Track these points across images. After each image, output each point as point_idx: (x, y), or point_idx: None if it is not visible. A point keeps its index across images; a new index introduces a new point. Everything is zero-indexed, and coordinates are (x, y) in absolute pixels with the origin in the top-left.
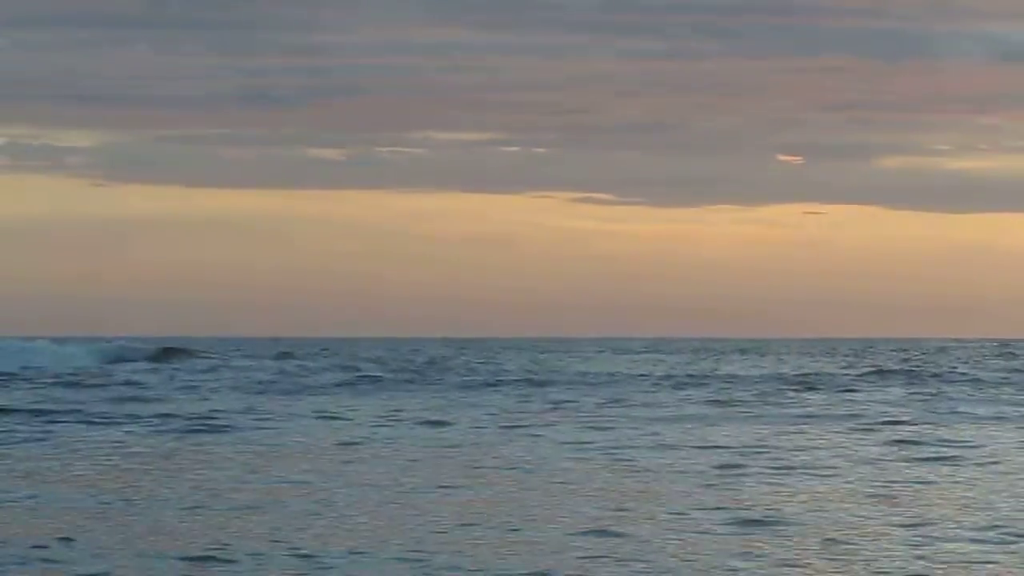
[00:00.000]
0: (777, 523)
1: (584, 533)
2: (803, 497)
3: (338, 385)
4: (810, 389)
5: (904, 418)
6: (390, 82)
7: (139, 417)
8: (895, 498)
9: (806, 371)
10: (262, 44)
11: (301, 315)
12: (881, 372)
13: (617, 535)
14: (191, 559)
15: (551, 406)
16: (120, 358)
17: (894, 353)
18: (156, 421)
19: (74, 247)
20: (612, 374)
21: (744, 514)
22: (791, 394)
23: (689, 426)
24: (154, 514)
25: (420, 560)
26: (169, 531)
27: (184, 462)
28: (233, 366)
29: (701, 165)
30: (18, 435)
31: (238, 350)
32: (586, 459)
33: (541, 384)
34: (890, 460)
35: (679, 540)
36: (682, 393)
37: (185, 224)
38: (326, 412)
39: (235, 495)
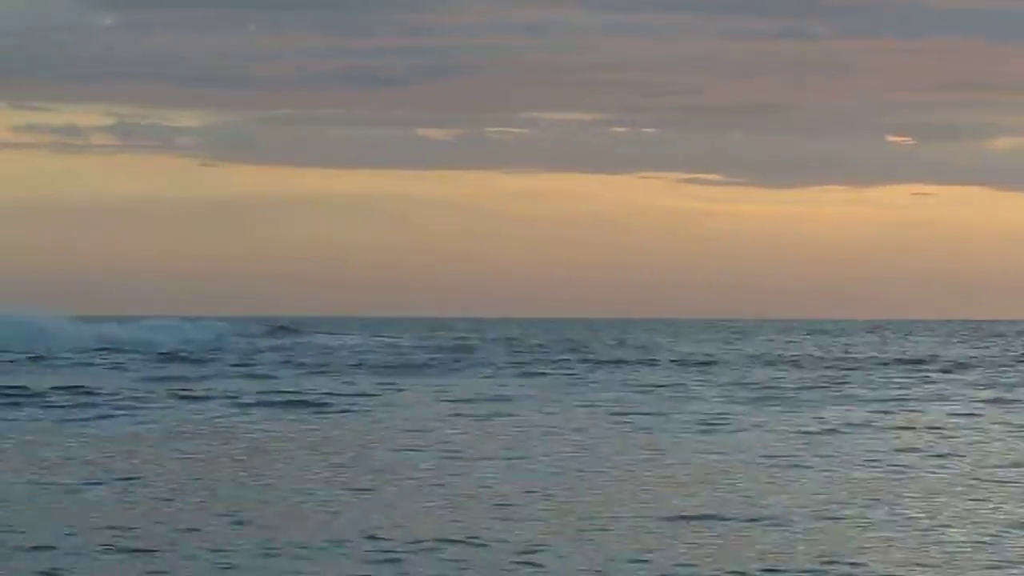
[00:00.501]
0: None
1: None
2: None
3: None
4: None
5: None
6: (499, 62)
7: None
8: None
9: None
10: (371, 24)
11: (408, 295)
12: None
13: None
14: None
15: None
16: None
17: None
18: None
19: (183, 227)
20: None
21: None
22: None
23: None
24: None
25: None
26: None
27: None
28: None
29: (810, 146)
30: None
31: (342, 330)
32: None
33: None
34: None
35: None
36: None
37: (293, 204)
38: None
39: None
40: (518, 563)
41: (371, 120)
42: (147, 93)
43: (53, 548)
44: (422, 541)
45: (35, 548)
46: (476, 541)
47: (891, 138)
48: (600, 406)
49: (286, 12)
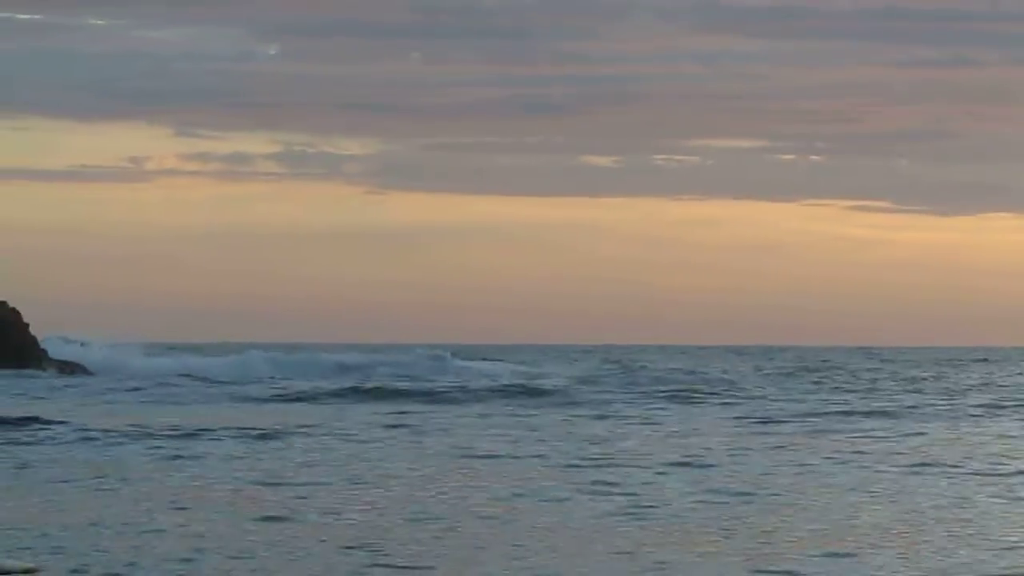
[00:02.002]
0: None
1: None
2: None
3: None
4: None
5: None
6: (666, 90)
7: None
8: None
9: None
10: (534, 52)
11: (574, 322)
12: None
13: None
14: None
15: None
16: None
17: None
18: None
19: (349, 255)
20: None
21: None
22: None
23: None
24: None
25: None
26: None
27: None
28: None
29: (979, 173)
30: None
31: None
32: None
33: None
34: None
35: None
36: None
37: (459, 232)
38: None
39: None
40: None
41: (537, 147)
42: (313, 121)
43: None
44: None
45: None
46: None
47: None
48: None
49: (450, 40)
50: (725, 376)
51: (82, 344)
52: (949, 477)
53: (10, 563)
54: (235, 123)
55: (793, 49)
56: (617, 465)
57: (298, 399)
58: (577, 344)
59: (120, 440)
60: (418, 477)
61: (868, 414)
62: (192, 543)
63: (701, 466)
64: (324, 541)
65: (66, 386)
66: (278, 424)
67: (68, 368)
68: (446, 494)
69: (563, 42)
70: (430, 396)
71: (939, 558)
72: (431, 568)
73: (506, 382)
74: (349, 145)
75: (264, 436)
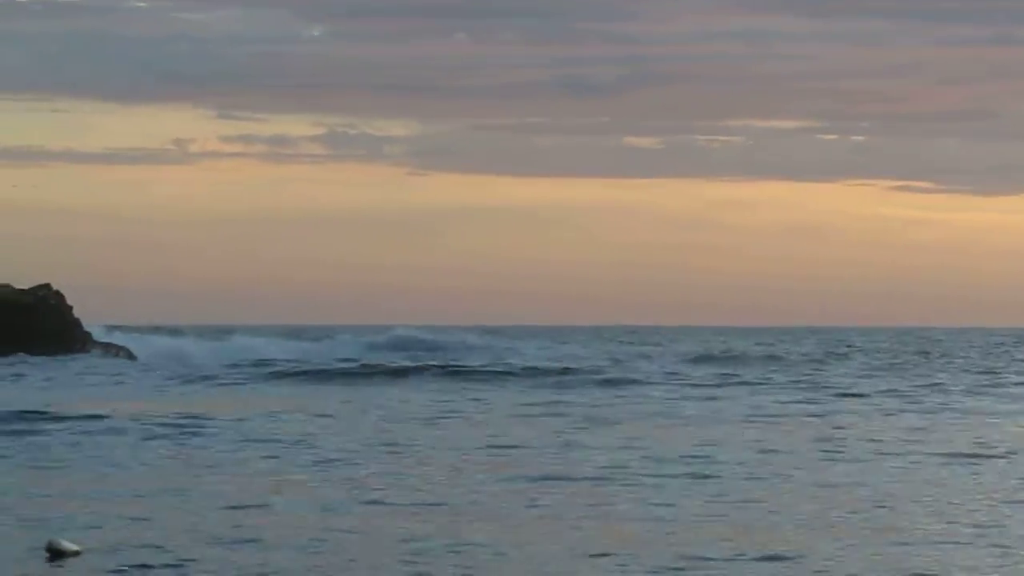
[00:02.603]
0: None
1: None
2: None
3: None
4: None
5: None
6: (707, 70)
7: None
8: None
9: None
10: (579, 33)
11: (614, 303)
12: None
13: None
14: None
15: None
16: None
17: None
18: None
19: (391, 236)
20: None
21: None
22: None
23: None
24: None
25: None
26: None
27: None
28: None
29: (1022, 152)
30: None
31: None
32: None
33: None
34: None
35: None
36: None
37: (500, 213)
38: None
39: None
40: None
41: (579, 128)
42: (356, 103)
43: None
44: None
45: None
46: None
47: None
48: None
49: (493, 21)
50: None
51: (121, 330)
52: None
53: (65, 544)
54: (278, 105)
55: (836, 29)
56: None
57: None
58: (622, 324)
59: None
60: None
61: None
62: None
63: None
64: None
65: (119, 373)
66: None
67: (113, 351)
68: None
69: (607, 23)
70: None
71: None
72: None
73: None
74: (391, 126)
75: None
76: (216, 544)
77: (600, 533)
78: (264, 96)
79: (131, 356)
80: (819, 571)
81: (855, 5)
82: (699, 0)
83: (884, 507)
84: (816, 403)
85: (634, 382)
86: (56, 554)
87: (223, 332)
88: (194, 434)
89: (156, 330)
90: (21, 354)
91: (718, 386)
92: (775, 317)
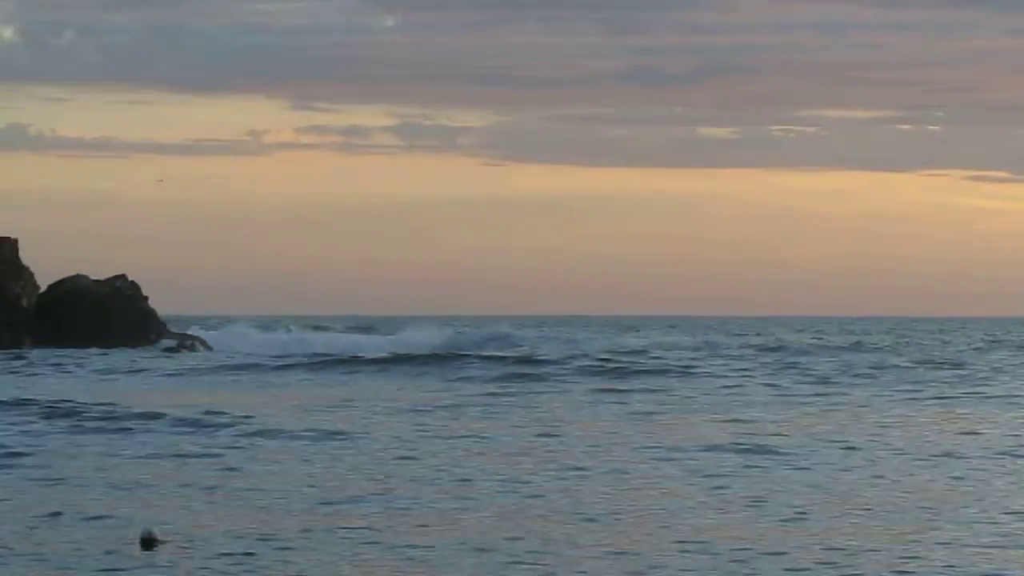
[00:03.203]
0: None
1: None
2: None
3: None
4: None
5: None
6: (782, 60)
7: None
8: None
9: None
10: (651, 23)
11: (691, 293)
12: None
13: None
14: None
15: None
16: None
17: None
18: None
19: (466, 226)
20: None
21: None
22: None
23: None
24: None
25: None
26: None
27: None
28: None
29: None
30: None
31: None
32: None
33: None
34: None
35: None
36: None
37: (575, 203)
38: None
39: None
40: None
41: (653, 119)
42: (429, 93)
43: None
44: None
45: None
46: None
47: None
48: None
49: (566, 11)
50: None
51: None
52: None
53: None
54: (352, 96)
55: (911, 19)
56: None
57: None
58: (693, 315)
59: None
60: None
61: None
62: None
63: None
64: None
65: (194, 366)
66: None
67: (189, 341)
68: None
69: (681, 12)
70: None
71: None
72: None
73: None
74: (465, 117)
75: None
76: None
77: None
78: (338, 87)
79: (207, 346)
80: None
81: None
82: None
83: None
84: None
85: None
86: (148, 543)
87: (304, 322)
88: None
89: (228, 320)
90: (95, 348)
91: None
92: (850, 307)
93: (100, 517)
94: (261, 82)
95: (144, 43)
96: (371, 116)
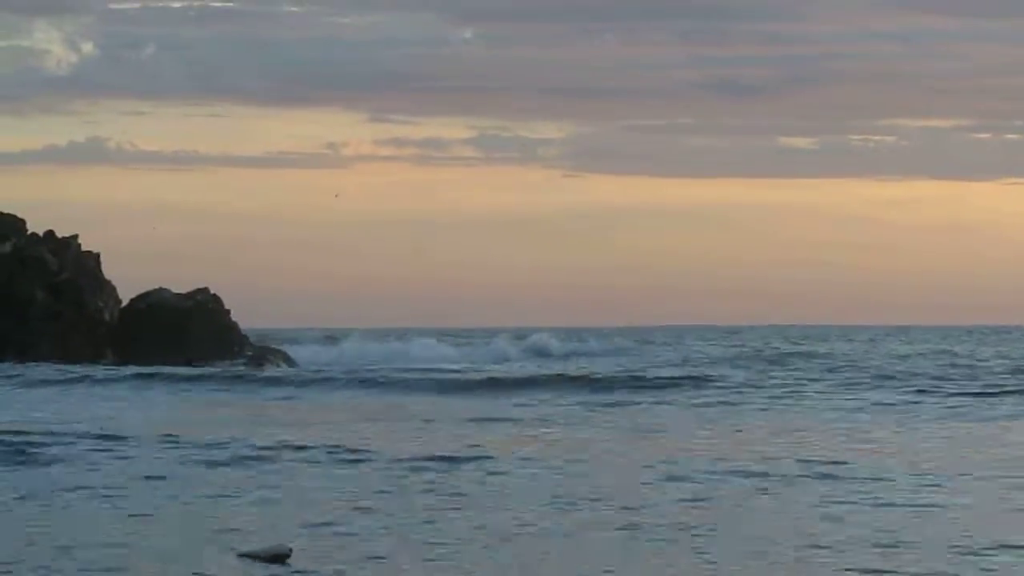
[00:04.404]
0: None
1: None
2: None
3: None
4: None
5: None
6: (860, 70)
7: None
8: None
9: None
10: (730, 33)
11: (770, 303)
12: None
13: None
14: None
15: None
16: None
17: None
18: None
19: (548, 238)
20: None
21: None
22: None
23: None
24: None
25: None
26: None
27: None
28: None
29: None
30: None
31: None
32: None
33: None
34: None
35: None
36: None
37: (655, 214)
38: None
39: None
40: None
41: (732, 129)
42: (507, 105)
43: None
44: None
45: None
46: None
47: None
48: None
49: (643, 22)
50: None
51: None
52: None
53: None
54: (429, 108)
55: (989, 27)
56: None
57: None
58: (773, 325)
59: None
60: None
61: None
62: None
63: None
64: None
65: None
66: None
67: (273, 356)
68: None
69: (759, 22)
70: None
71: None
72: None
73: None
74: (544, 128)
75: None
76: None
77: None
78: (415, 100)
79: (289, 362)
80: None
81: (1009, 4)
82: (853, 0)
83: None
84: None
85: None
86: (273, 559)
87: (380, 335)
88: None
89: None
90: (175, 362)
91: None
92: (934, 315)
93: None
94: (339, 95)
95: (223, 57)
96: (449, 128)
